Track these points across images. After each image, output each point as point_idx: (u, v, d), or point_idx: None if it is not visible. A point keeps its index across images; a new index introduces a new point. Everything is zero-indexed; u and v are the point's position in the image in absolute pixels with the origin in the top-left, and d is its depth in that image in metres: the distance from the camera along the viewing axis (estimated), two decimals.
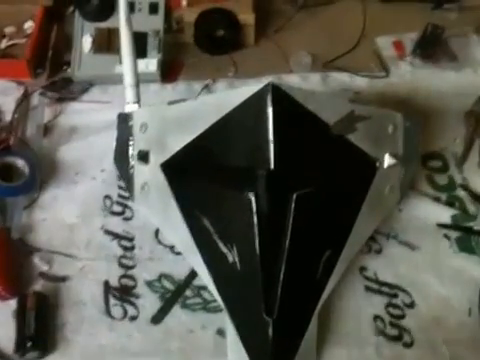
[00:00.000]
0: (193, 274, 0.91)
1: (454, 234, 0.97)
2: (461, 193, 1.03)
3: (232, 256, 0.82)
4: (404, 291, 0.91)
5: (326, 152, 0.86)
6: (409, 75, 1.20)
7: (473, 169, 1.06)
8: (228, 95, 0.89)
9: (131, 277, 0.91)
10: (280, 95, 0.80)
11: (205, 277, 0.85)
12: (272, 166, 0.79)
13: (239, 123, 0.83)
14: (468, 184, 1.04)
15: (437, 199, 1.02)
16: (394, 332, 0.87)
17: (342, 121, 0.85)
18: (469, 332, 0.88)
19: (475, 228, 0.98)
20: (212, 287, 0.84)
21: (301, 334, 0.81)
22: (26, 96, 1.13)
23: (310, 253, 0.82)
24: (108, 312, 0.88)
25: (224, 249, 0.82)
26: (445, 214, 0.99)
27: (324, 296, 0.83)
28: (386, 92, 1.15)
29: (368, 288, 0.91)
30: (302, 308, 0.82)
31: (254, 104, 0.81)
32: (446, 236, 0.97)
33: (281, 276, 0.78)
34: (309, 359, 0.83)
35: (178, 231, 0.88)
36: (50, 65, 1.19)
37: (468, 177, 1.05)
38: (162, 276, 0.91)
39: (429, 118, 1.08)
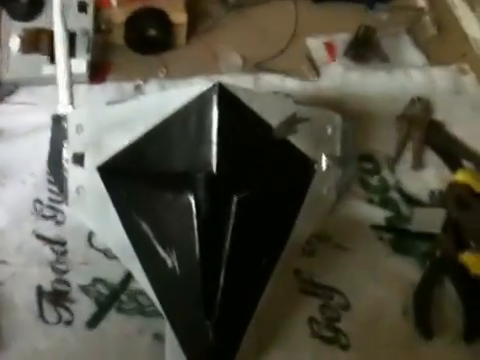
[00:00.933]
0: (128, 278, 0.94)
1: (388, 236, 1.03)
2: (394, 195, 1.09)
3: (171, 260, 0.85)
4: (339, 293, 0.96)
5: (267, 154, 0.90)
6: (340, 77, 1.26)
7: (406, 171, 1.12)
8: (171, 95, 0.91)
9: (65, 282, 0.94)
10: (226, 96, 0.84)
11: (143, 281, 0.88)
12: (214, 168, 0.82)
13: (181, 124, 0.86)
14: (401, 186, 1.10)
15: (370, 201, 1.08)
16: (330, 334, 0.93)
17: (285, 123, 0.90)
18: (404, 333, 0.94)
19: (411, 229, 1.04)
20: (150, 292, 0.87)
21: (240, 337, 0.85)
22: None
23: (250, 256, 0.86)
24: (42, 317, 0.91)
25: (163, 253, 0.86)
26: (378, 216, 1.06)
27: (263, 299, 0.87)
28: (317, 95, 1.21)
29: (303, 290, 0.96)
30: (241, 311, 0.86)
31: (198, 105, 0.85)
32: (380, 238, 1.03)
33: (221, 280, 0.82)
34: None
35: (115, 236, 0.90)
36: None
37: (401, 179, 1.11)
38: (96, 280, 0.94)
39: (361, 120, 1.13)
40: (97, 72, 1.23)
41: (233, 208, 0.84)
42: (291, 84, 1.24)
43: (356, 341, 0.93)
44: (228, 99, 0.85)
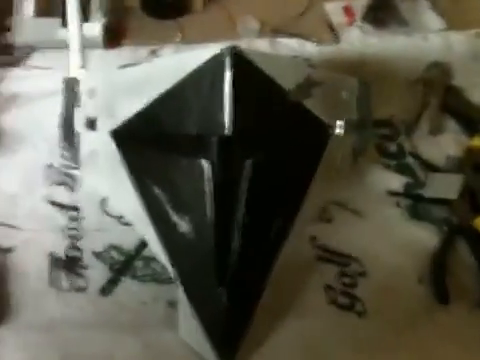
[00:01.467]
0: (143, 245, 0.91)
1: (404, 202, 0.99)
2: (411, 161, 1.04)
3: (184, 225, 0.82)
4: (355, 260, 0.93)
5: (281, 118, 0.86)
6: (359, 41, 1.20)
7: (423, 137, 1.07)
8: (184, 58, 0.88)
9: (78, 248, 0.92)
10: (239, 58, 0.81)
11: (156, 247, 0.86)
12: (227, 132, 0.79)
13: (194, 87, 0.83)
14: (418, 152, 1.05)
15: (387, 167, 1.03)
16: (346, 301, 0.90)
17: (299, 87, 0.86)
18: (421, 299, 0.91)
19: (425, 195, 0.99)
20: (164, 258, 0.85)
21: (254, 304, 0.82)
22: None
23: (264, 221, 0.83)
24: (55, 284, 0.88)
25: (176, 218, 0.83)
26: (395, 182, 1.01)
27: (277, 265, 0.84)
28: (336, 59, 1.16)
29: (319, 257, 0.93)
30: (255, 277, 0.83)
31: (211, 68, 0.81)
32: (397, 204, 0.99)
33: (234, 245, 0.79)
34: (263, 329, 0.84)
35: (128, 200, 0.88)
36: None
37: (418, 145, 1.06)
38: (110, 247, 0.92)
39: (379, 85, 1.08)
40: (113, 37, 1.19)
41: (247, 172, 0.81)
42: (309, 48, 1.19)
43: (372, 307, 0.90)
44: (241, 62, 0.81)
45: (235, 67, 0.79)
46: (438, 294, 0.91)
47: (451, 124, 1.10)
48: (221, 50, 0.81)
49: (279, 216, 0.85)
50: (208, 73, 0.82)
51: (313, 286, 0.91)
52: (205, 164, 0.80)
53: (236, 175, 0.81)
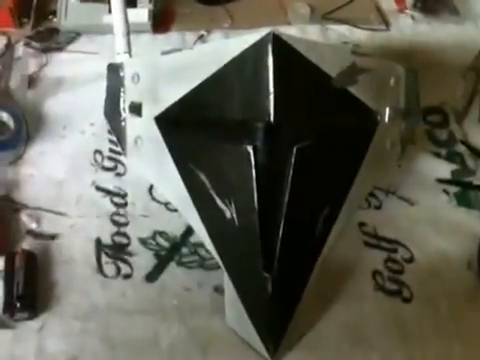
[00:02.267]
0: (189, 231, 0.89)
1: (453, 189, 0.97)
2: (461, 148, 1.02)
3: (230, 212, 0.80)
4: (403, 246, 0.91)
5: (327, 105, 0.84)
6: (409, 29, 1.18)
7: (473, 124, 1.05)
8: (226, 44, 0.87)
9: (124, 234, 0.90)
10: (281, 45, 0.78)
11: (202, 233, 0.83)
12: (272, 118, 0.77)
13: (237, 74, 0.81)
14: (468, 139, 1.03)
15: (437, 154, 1.01)
16: (393, 287, 0.87)
17: (344, 73, 0.82)
18: (468, 285, 0.88)
19: (474, 183, 0.97)
20: (209, 243, 0.83)
21: (300, 290, 0.80)
22: (9, 47, 1.09)
23: (310, 208, 0.81)
24: (100, 270, 0.86)
25: (221, 204, 0.80)
26: (444, 169, 0.99)
27: (324, 252, 0.82)
28: (386, 45, 1.14)
29: (367, 243, 0.91)
30: (301, 264, 0.81)
31: (253, 54, 0.79)
32: (445, 191, 0.97)
33: (280, 231, 0.77)
34: (308, 315, 0.82)
35: (173, 186, 0.85)
36: (35, 14, 1.15)
37: (468, 132, 1.04)
38: (157, 233, 0.90)
39: (429, 72, 1.05)
40: (161, 22, 1.17)
41: (292, 159, 0.78)
42: (359, 35, 1.17)
43: (419, 293, 0.88)
44: (283, 48, 0.79)
45: (278, 53, 0.77)
46: None
47: None
48: (263, 36, 0.78)
49: (326, 203, 0.82)
50: (251, 59, 0.79)
51: (361, 272, 0.89)
52: (250, 150, 0.77)
53: (281, 161, 0.78)
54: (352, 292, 0.86)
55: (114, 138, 0.95)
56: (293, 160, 0.78)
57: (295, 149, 0.78)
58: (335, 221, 0.83)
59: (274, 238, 0.77)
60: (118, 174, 0.95)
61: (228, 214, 0.80)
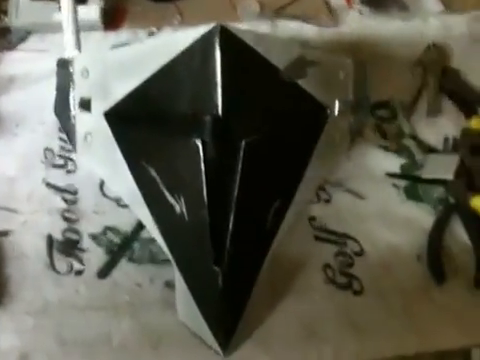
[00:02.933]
0: (140, 227, 0.88)
1: (402, 183, 0.97)
2: (409, 142, 1.02)
3: (179, 206, 0.79)
4: (353, 239, 0.91)
5: (276, 98, 0.83)
6: (358, 24, 1.18)
7: (421, 118, 1.05)
8: (174, 37, 0.85)
9: (75, 231, 0.88)
10: (228, 37, 0.77)
11: (152, 229, 0.82)
12: (220, 111, 0.76)
13: (186, 67, 0.79)
14: (416, 133, 1.04)
15: (385, 148, 1.01)
16: (343, 280, 0.87)
17: (292, 66, 0.82)
18: (418, 278, 0.88)
19: (423, 177, 0.97)
20: (160, 239, 0.82)
21: (251, 284, 0.79)
22: None
23: (260, 202, 0.80)
24: (53, 267, 0.85)
25: (171, 199, 0.79)
26: (393, 163, 0.99)
27: (274, 245, 0.81)
28: (335, 41, 1.14)
29: (317, 237, 0.90)
30: (252, 258, 0.80)
31: (201, 47, 0.78)
32: (394, 185, 0.97)
33: (230, 225, 0.76)
34: (260, 309, 0.81)
35: (123, 182, 0.84)
36: None
37: (416, 126, 1.04)
38: (108, 229, 0.88)
39: (377, 67, 1.05)
40: (111, 19, 1.16)
41: (241, 152, 0.77)
42: (309, 31, 1.17)
43: (369, 286, 0.87)
44: (231, 41, 0.78)
45: (225, 45, 0.76)
46: (434, 273, 0.88)
47: (448, 106, 1.08)
48: (210, 28, 0.77)
49: (276, 197, 0.82)
50: (199, 52, 0.78)
51: (311, 266, 0.88)
52: (198, 144, 0.76)
53: (230, 155, 0.77)
54: (303, 286, 0.86)
55: (64, 136, 0.93)
56: (242, 154, 0.77)
57: (244, 143, 0.77)
58: (285, 214, 0.82)
59: (224, 232, 0.76)
60: (69, 171, 0.94)
61: (178, 209, 0.79)
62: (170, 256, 0.81)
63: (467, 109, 1.07)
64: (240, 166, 0.77)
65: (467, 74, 1.11)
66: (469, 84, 1.10)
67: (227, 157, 0.77)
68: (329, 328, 0.83)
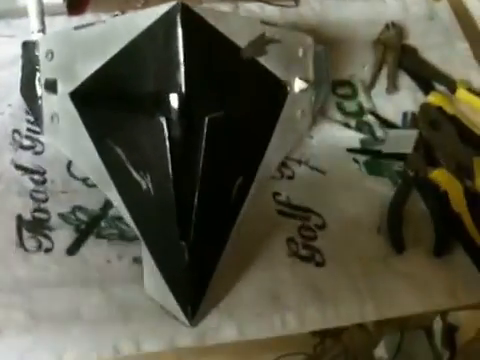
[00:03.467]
0: (108, 205, 0.88)
1: (363, 158, 0.98)
2: (369, 118, 1.03)
3: (146, 183, 0.79)
4: (316, 214, 0.91)
5: (237, 75, 0.83)
6: (319, 5, 1.18)
7: (381, 95, 1.07)
8: (137, 16, 0.84)
9: (44, 210, 0.88)
10: (190, 15, 0.77)
11: (119, 206, 0.83)
12: (183, 89, 0.76)
13: (149, 45, 0.79)
14: (376, 110, 1.05)
15: (347, 125, 1.02)
16: (307, 253, 0.88)
17: (253, 43, 0.82)
18: (379, 249, 0.90)
19: (383, 151, 0.98)
20: (127, 215, 0.82)
21: (217, 257, 0.80)
22: None
23: (224, 177, 0.81)
24: (22, 245, 0.85)
25: (137, 176, 0.80)
26: (354, 139, 1.00)
27: (239, 220, 0.82)
28: (296, 22, 1.14)
29: (281, 212, 0.91)
30: (217, 232, 0.81)
31: (163, 25, 0.78)
32: (355, 160, 0.98)
33: (195, 201, 0.77)
34: (225, 281, 0.83)
35: (90, 161, 0.84)
36: None
37: (376, 103, 1.06)
38: (76, 208, 0.88)
39: (338, 47, 1.07)
40: (76, 4, 1.14)
41: (205, 129, 0.78)
42: (270, 12, 1.16)
43: (331, 257, 0.88)
44: (192, 19, 0.78)
45: (186, 23, 0.76)
46: (394, 243, 0.90)
47: (407, 82, 1.10)
48: (171, 6, 0.77)
49: (239, 172, 0.82)
50: (161, 30, 0.78)
51: (276, 240, 0.89)
52: (163, 122, 0.77)
53: (194, 132, 0.78)
54: (268, 259, 0.87)
55: (32, 117, 0.93)
56: (206, 130, 0.77)
57: (207, 119, 0.77)
58: (249, 189, 0.83)
59: (189, 208, 0.76)
60: (37, 152, 0.93)
61: (144, 186, 0.79)
62: (137, 231, 0.81)
63: (425, 85, 1.09)
64: (204, 142, 0.77)
65: (424, 52, 1.13)
66: (426, 61, 1.12)
67: (191, 134, 0.78)
68: (292, 297, 0.84)
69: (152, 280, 0.81)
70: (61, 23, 1.08)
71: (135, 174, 0.80)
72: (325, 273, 0.87)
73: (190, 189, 0.77)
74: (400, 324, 0.94)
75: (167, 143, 0.76)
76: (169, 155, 0.76)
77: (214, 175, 0.79)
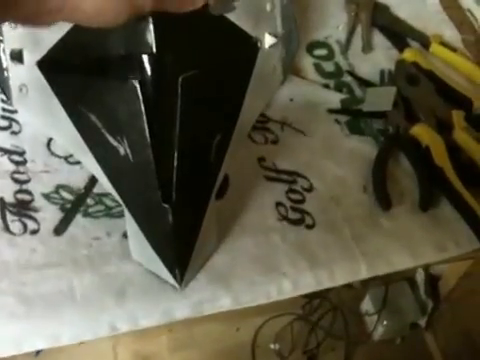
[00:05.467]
0: (92, 182, 0.82)
1: (344, 118, 0.95)
2: (348, 78, 1.00)
3: (123, 148, 0.73)
4: (302, 176, 0.87)
5: (208, 33, 0.78)
6: None
7: (357, 55, 1.03)
8: None
9: (27, 191, 0.81)
10: None
11: (99, 174, 0.77)
12: (154, 49, 0.71)
13: None
14: (353, 69, 1.01)
15: (326, 86, 0.98)
16: (296, 216, 0.84)
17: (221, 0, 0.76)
18: (365, 208, 0.86)
19: (364, 110, 0.95)
20: (107, 183, 0.77)
21: (201, 218, 0.75)
22: None
23: (201, 137, 0.76)
24: (7, 228, 0.78)
25: (114, 142, 0.74)
26: (334, 99, 0.96)
27: (220, 177, 0.77)
28: None
29: (268, 177, 0.87)
30: (199, 191, 0.76)
31: None
32: (337, 121, 0.94)
33: (175, 162, 0.71)
34: (211, 243, 0.78)
35: (65, 131, 0.78)
36: None
37: (353, 62, 1.02)
38: (59, 187, 0.82)
39: (312, 8, 1.04)
40: None
41: (179, 88, 0.72)
42: None
43: (320, 219, 0.85)
44: None
45: None
46: (380, 200, 0.86)
47: (381, 40, 1.06)
48: None
49: (217, 131, 0.77)
50: None
51: (264, 205, 0.84)
52: (136, 84, 0.71)
53: (169, 93, 0.72)
54: (258, 225, 0.82)
55: (6, 97, 0.85)
56: (180, 90, 0.72)
57: (181, 79, 0.72)
58: (227, 147, 0.78)
59: (169, 169, 0.71)
60: (14, 132, 0.86)
61: (122, 151, 0.74)
62: (118, 198, 0.76)
63: (399, 42, 1.05)
64: (179, 102, 0.72)
65: (396, 9, 1.10)
66: (398, 18, 1.08)
67: (165, 95, 0.72)
68: (286, 262, 0.80)
69: (138, 246, 0.76)
70: None
71: (112, 140, 0.74)
72: (316, 235, 0.82)
73: (169, 150, 0.71)
74: (384, 277, 0.90)
75: (142, 106, 0.71)
76: (145, 117, 0.71)
77: (192, 135, 0.73)
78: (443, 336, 1.00)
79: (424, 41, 1.05)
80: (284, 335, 0.88)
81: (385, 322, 0.93)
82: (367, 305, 0.99)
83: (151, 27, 0.70)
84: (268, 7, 0.85)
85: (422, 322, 0.99)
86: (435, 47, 1.04)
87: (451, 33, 1.08)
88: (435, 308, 0.97)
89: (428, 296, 0.99)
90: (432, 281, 0.98)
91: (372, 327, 0.94)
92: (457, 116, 0.93)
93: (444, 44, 1.04)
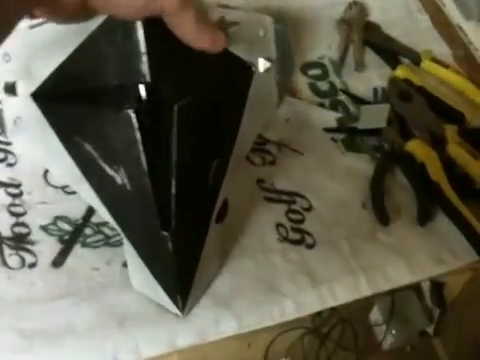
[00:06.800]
0: (90, 211, 0.79)
1: (340, 136, 0.92)
2: (342, 97, 0.97)
3: (120, 177, 0.70)
4: (301, 196, 0.85)
5: (202, 60, 0.73)
6: None
7: (351, 73, 1.01)
8: None
9: (23, 224, 0.77)
10: None
11: (97, 205, 0.73)
12: (149, 78, 0.67)
13: (108, 38, 0.69)
14: (347, 88, 0.99)
15: (322, 105, 0.96)
16: (296, 236, 0.81)
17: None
18: (365, 225, 0.84)
19: (359, 128, 0.92)
20: (105, 213, 0.73)
21: (201, 243, 0.72)
22: None
23: (199, 163, 0.72)
24: (4, 263, 0.74)
25: (111, 172, 0.70)
26: (330, 118, 0.94)
27: (219, 202, 0.74)
28: (259, 7, 1.05)
29: (267, 198, 0.84)
30: (198, 217, 0.73)
31: None
32: (333, 139, 0.92)
33: (172, 189, 0.68)
34: (213, 268, 0.75)
35: (61, 162, 0.74)
36: None
37: (347, 81, 1.00)
38: (57, 218, 0.78)
39: (305, 29, 1.02)
40: None
41: (175, 116, 0.69)
42: None
43: (321, 238, 0.82)
44: None
45: None
46: (379, 216, 0.84)
47: (374, 58, 1.04)
48: None
49: (214, 156, 0.74)
50: (119, 22, 0.68)
51: (265, 226, 0.81)
52: (131, 114, 0.67)
53: (164, 121, 0.69)
54: (258, 246, 0.79)
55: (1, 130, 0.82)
56: (176, 118, 0.68)
57: (176, 107, 0.68)
58: (226, 171, 0.75)
59: (168, 196, 0.68)
60: (9, 164, 0.82)
61: (119, 180, 0.70)
62: (118, 227, 0.72)
63: (391, 60, 1.03)
64: (175, 130, 0.68)
65: (387, 28, 1.08)
66: (389, 36, 1.06)
67: (161, 123, 0.69)
68: (288, 283, 0.77)
69: (139, 275, 0.72)
70: (18, 26, 0.94)
71: (108, 169, 0.70)
72: (316, 254, 0.80)
73: (166, 178, 0.68)
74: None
75: (138, 134, 0.67)
76: (141, 146, 0.67)
77: (189, 161, 0.70)
78: (451, 342, 0.98)
79: (415, 58, 1.03)
80: (295, 349, 0.84)
81: (394, 331, 0.91)
82: (375, 315, 0.95)
83: (145, 57, 0.67)
84: (261, 32, 0.82)
85: (430, 329, 0.95)
86: (426, 63, 1.01)
87: (442, 49, 1.06)
88: (442, 315, 0.95)
89: (434, 303, 0.96)
90: (437, 288, 0.95)
91: (381, 337, 0.90)
92: (450, 131, 0.91)
93: (435, 60, 1.02)
